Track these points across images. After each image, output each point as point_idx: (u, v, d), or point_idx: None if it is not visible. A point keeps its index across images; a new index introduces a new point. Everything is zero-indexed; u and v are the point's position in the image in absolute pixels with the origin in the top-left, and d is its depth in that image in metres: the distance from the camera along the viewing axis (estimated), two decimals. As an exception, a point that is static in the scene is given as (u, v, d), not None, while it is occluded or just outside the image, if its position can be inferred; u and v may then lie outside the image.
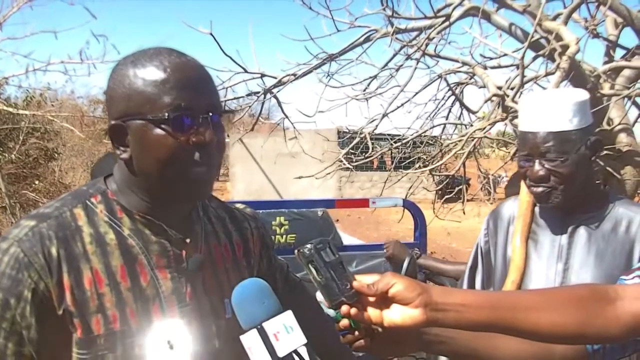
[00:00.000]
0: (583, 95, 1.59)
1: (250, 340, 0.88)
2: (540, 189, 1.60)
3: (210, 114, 1.03)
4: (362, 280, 1.00)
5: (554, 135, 1.55)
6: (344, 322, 1.01)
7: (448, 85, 3.33)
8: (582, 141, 1.56)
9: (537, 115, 1.57)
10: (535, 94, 1.71)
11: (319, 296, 1.00)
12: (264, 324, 0.89)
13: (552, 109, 1.55)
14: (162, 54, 1.04)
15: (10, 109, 9.29)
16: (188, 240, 1.13)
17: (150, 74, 1.01)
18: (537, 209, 1.77)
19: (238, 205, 1.38)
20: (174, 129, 1.00)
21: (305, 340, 0.89)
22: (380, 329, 1.05)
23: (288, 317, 0.90)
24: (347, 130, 3.81)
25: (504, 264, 1.79)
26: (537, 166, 1.59)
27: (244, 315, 0.91)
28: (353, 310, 0.99)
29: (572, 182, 1.58)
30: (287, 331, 0.89)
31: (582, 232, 1.65)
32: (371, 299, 1.00)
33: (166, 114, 0.99)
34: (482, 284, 1.87)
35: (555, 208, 1.64)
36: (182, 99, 1.00)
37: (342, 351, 1.42)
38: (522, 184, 1.75)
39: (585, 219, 1.65)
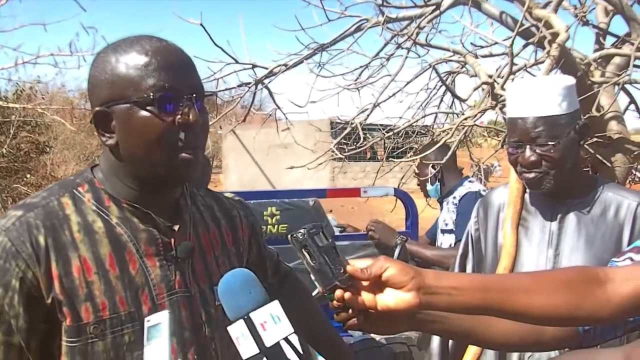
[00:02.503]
0: (570, 80, 1.60)
1: (237, 331, 0.88)
2: (532, 175, 1.60)
3: (194, 95, 1.04)
4: (356, 265, 1.00)
5: (544, 120, 1.55)
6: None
7: (438, 75, 3.32)
8: (571, 125, 1.56)
9: (526, 101, 1.57)
10: (523, 81, 1.72)
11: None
12: (250, 314, 0.88)
13: (541, 94, 1.55)
14: (142, 39, 1.05)
15: (0, 103, 9.22)
16: (177, 228, 1.13)
17: (132, 58, 1.02)
18: (527, 196, 1.77)
19: (227, 194, 1.38)
20: (160, 110, 1.01)
21: (292, 330, 0.88)
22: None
23: (275, 307, 0.90)
24: (339, 121, 3.80)
25: (495, 251, 1.80)
26: (528, 152, 1.59)
27: (231, 306, 0.90)
28: (347, 295, 0.99)
29: (563, 167, 1.58)
30: (274, 321, 0.88)
31: (571, 217, 1.65)
32: (365, 283, 1.00)
33: (151, 95, 1.00)
34: (472, 271, 1.88)
35: (547, 193, 1.64)
36: (166, 80, 1.01)
37: (334, 339, 1.43)
38: (512, 171, 1.75)
39: (574, 205, 1.66)
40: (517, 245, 1.73)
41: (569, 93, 1.56)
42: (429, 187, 3.02)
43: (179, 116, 1.02)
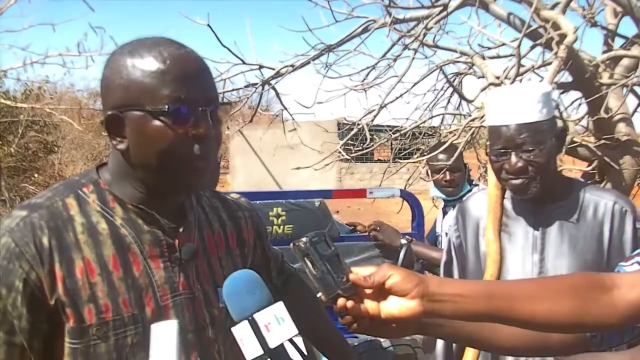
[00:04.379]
0: (547, 87, 1.64)
1: (242, 332, 0.88)
2: (519, 181, 1.63)
3: (209, 107, 1.03)
4: (359, 273, 1.00)
5: (527, 126, 1.58)
6: None
7: (445, 76, 3.31)
8: (551, 131, 1.61)
9: (508, 109, 1.60)
10: (503, 89, 1.75)
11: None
12: (254, 315, 0.88)
13: (522, 101, 1.58)
14: (161, 44, 1.03)
15: (9, 102, 9.29)
16: (181, 230, 1.13)
17: (149, 64, 1.00)
18: (507, 202, 1.78)
19: (232, 195, 1.37)
20: (173, 121, 1.00)
21: (296, 331, 0.88)
22: None
23: (279, 308, 0.90)
24: (346, 122, 3.80)
25: (476, 258, 1.82)
26: (514, 158, 1.61)
27: (235, 307, 0.91)
28: (350, 303, 0.99)
29: (548, 171, 1.62)
30: (278, 322, 0.88)
31: (553, 221, 1.68)
32: (368, 290, 0.99)
33: (166, 106, 0.99)
34: (459, 278, 1.88)
35: (533, 198, 1.66)
36: (182, 91, 1.00)
37: (338, 340, 1.43)
38: (490, 179, 1.77)
39: (555, 208, 1.69)
40: (502, 252, 1.74)
41: (547, 99, 1.60)
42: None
43: (193, 128, 1.01)
